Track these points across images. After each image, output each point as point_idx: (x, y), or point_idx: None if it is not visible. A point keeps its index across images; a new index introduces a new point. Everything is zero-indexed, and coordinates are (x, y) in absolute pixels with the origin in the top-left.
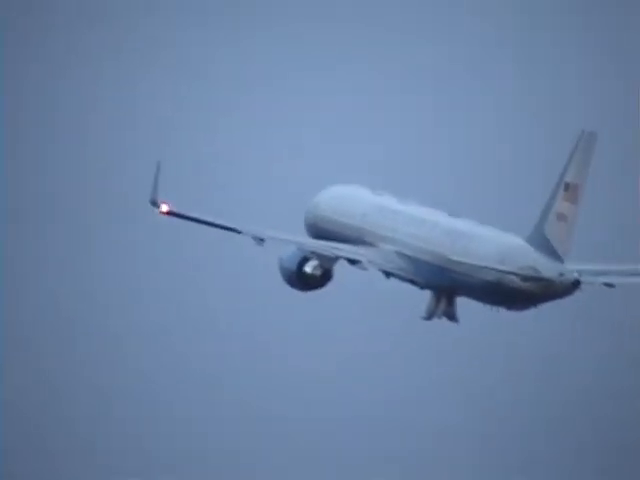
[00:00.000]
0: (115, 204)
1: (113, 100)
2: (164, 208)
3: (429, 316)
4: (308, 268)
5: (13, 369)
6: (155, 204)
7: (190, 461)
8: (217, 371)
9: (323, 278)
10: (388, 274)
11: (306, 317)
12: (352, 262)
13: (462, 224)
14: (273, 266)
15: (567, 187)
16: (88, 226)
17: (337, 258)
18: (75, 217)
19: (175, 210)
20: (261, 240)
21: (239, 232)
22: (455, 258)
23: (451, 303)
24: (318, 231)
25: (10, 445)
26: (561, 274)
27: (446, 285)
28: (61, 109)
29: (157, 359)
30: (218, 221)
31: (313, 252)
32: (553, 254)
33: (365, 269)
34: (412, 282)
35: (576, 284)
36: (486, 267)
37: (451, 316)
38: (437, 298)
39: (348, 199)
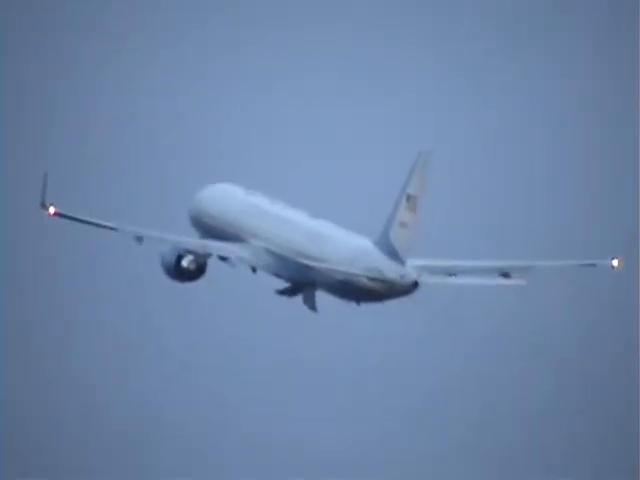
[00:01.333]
0: (115, 204)
1: (113, 100)
2: (51, 210)
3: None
4: (184, 263)
5: (13, 369)
6: (44, 207)
7: (190, 462)
8: (218, 371)
9: (198, 271)
10: (254, 269)
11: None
12: (223, 259)
13: (320, 226)
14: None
15: (408, 198)
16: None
17: (208, 255)
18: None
19: (61, 212)
20: (139, 239)
21: (116, 230)
22: (307, 262)
23: (312, 295)
24: (201, 225)
25: (10, 445)
26: (402, 276)
27: (305, 281)
28: (60, 109)
29: (157, 359)
30: (98, 221)
31: (187, 250)
32: (396, 257)
33: (234, 266)
34: (278, 276)
35: (415, 285)
36: (334, 270)
37: (311, 306)
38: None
39: (226, 197)
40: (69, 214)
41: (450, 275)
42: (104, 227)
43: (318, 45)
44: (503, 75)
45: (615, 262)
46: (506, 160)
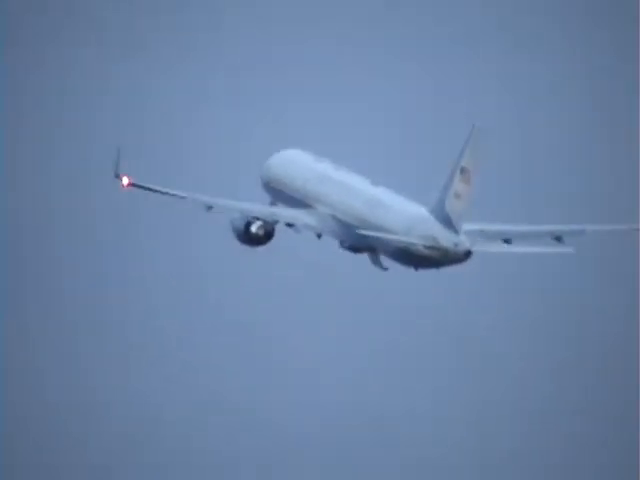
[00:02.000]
0: (115, 204)
1: (113, 101)
2: (125, 181)
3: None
4: (253, 228)
5: (13, 369)
6: (117, 177)
7: (190, 461)
8: (218, 371)
9: (266, 237)
10: (320, 235)
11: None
12: (289, 225)
13: (381, 193)
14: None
15: (462, 171)
16: (87, 225)
17: (276, 221)
18: (74, 216)
19: (135, 182)
20: (210, 207)
21: (186, 198)
22: (365, 232)
23: (377, 257)
24: (271, 189)
25: (10, 445)
26: (456, 244)
27: (367, 247)
28: (60, 108)
29: (157, 358)
30: (172, 191)
31: (255, 217)
32: (450, 226)
33: (300, 232)
34: (342, 242)
35: (468, 254)
36: (394, 238)
37: (379, 266)
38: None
39: (294, 164)
40: (142, 184)
41: (504, 240)
42: (175, 196)
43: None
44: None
45: None
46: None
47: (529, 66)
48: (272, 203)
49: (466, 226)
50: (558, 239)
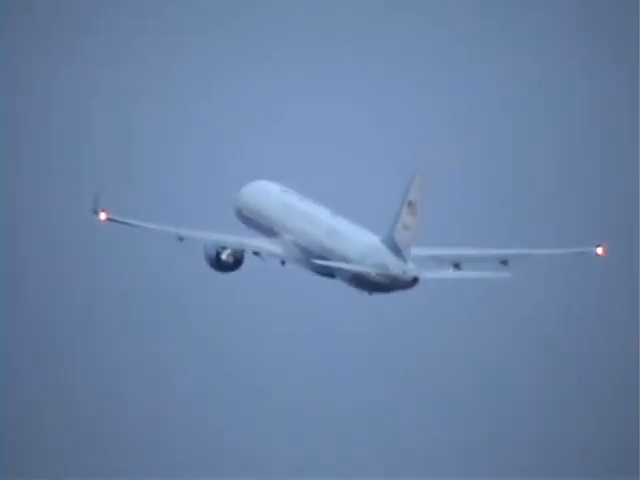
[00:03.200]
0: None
1: (147, 101)
2: (103, 216)
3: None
4: (223, 256)
5: (13, 369)
6: (96, 212)
7: (190, 461)
8: (218, 373)
9: (236, 263)
10: (283, 262)
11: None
12: (256, 253)
13: (339, 223)
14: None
15: (409, 204)
16: (87, 225)
17: (243, 250)
18: (73, 217)
19: (113, 217)
20: (181, 238)
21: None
22: (322, 262)
23: None
24: (242, 218)
25: (10, 445)
26: (404, 272)
27: (326, 272)
28: (58, 107)
29: (157, 357)
30: (147, 224)
31: (224, 246)
32: (400, 255)
33: (265, 259)
34: (307, 268)
35: (415, 280)
36: (346, 268)
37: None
38: None
39: (263, 194)
40: (119, 219)
41: (454, 264)
42: (152, 229)
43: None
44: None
45: (599, 250)
46: (504, 154)
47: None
48: (245, 229)
49: (418, 251)
50: (504, 263)
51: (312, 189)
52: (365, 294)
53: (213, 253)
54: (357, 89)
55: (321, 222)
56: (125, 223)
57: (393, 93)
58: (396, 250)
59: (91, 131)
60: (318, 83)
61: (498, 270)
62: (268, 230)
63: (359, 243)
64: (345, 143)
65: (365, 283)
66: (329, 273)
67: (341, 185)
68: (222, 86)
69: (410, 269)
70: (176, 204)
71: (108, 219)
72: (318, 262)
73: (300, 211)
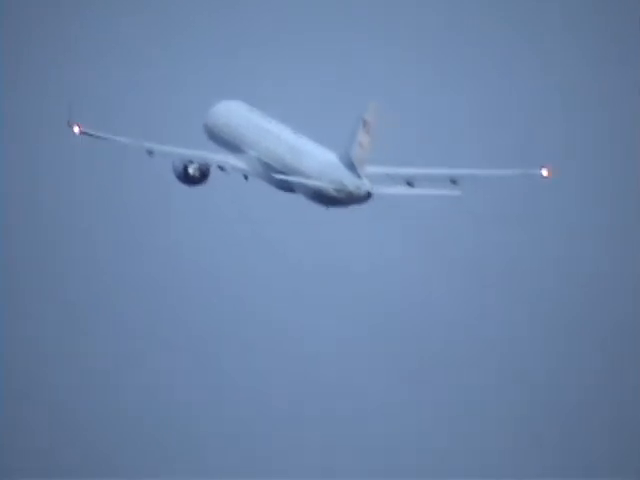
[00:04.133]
0: (114, 203)
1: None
2: (76, 129)
3: None
4: (190, 170)
5: (13, 369)
6: (70, 125)
7: (190, 461)
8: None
9: (202, 177)
10: (247, 177)
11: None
12: (221, 168)
13: (300, 142)
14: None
15: (365, 124)
16: (87, 224)
17: (208, 164)
18: (73, 214)
19: (86, 130)
20: (151, 152)
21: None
22: (282, 177)
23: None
24: (211, 135)
25: (10, 445)
26: (358, 187)
27: (287, 187)
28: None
29: (157, 355)
30: (118, 138)
31: (191, 160)
32: (354, 171)
33: (229, 173)
34: (270, 183)
35: (368, 195)
36: (304, 183)
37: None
38: None
39: (231, 113)
40: (91, 132)
41: (407, 182)
42: (121, 142)
43: None
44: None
45: (544, 171)
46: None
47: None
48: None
49: (373, 169)
50: (454, 182)
51: (278, 111)
52: (323, 208)
53: (180, 167)
54: (330, 18)
55: (284, 140)
56: (98, 137)
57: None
58: (351, 167)
59: (64, 49)
60: (291, 8)
61: (449, 189)
62: (235, 147)
63: (318, 160)
64: (313, 67)
65: (323, 198)
66: (290, 188)
67: (305, 106)
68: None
69: (364, 185)
70: (148, 122)
71: (81, 132)
72: (278, 177)
73: (265, 130)
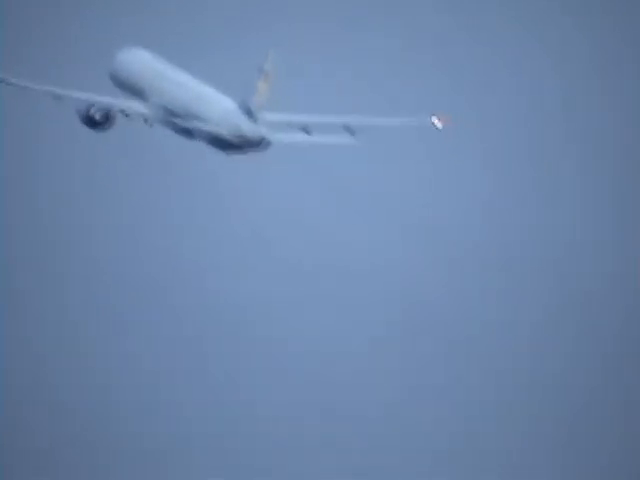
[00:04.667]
0: (114, 203)
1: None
2: None
3: None
4: (92, 112)
5: (14, 369)
6: None
7: (191, 460)
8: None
9: (107, 121)
10: (150, 124)
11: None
12: (125, 114)
13: (201, 89)
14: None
15: (263, 71)
16: (87, 223)
17: (110, 108)
18: (73, 214)
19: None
20: (58, 97)
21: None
22: (180, 122)
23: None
24: (117, 81)
25: (10, 445)
26: (254, 132)
27: (188, 133)
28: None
29: (156, 355)
30: (25, 83)
31: (93, 104)
32: (252, 117)
33: (132, 120)
34: (171, 128)
35: (263, 140)
36: (203, 128)
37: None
38: None
39: (137, 60)
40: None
41: (303, 130)
42: (28, 88)
43: None
44: None
45: (435, 120)
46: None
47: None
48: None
49: (272, 117)
50: (349, 131)
51: (181, 60)
52: (223, 154)
53: (84, 110)
54: None
55: (186, 87)
56: (2, 81)
57: None
58: (249, 113)
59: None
60: None
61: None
62: (140, 93)
63: (218, 106)
64: (217, 14)
65: (222, 143)
66: (190, 134)
67: (207, 54)
68: None
69: (260, 130)
70: (56, 68)
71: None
72: (178, 122)
73: (170, 77)
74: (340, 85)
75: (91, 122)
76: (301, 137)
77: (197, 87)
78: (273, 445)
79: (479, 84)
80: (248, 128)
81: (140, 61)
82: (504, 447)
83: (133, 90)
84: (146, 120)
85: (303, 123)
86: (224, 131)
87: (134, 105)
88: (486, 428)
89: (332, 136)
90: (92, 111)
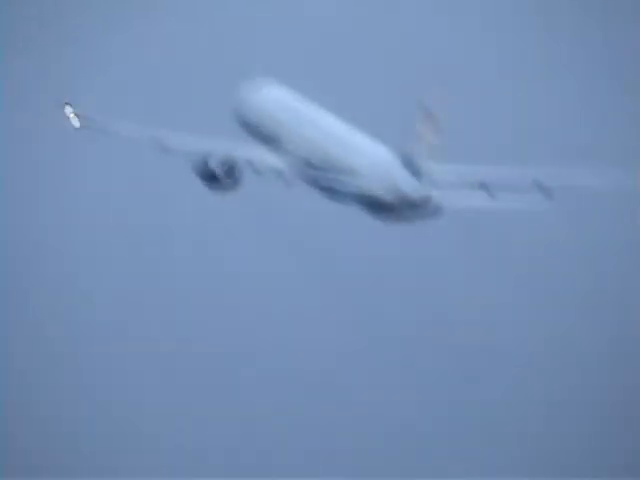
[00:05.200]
0: (115, 203)
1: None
2: (72, 116)
3: None
4: (211, 165)
5: (14, 369)
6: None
7: (190, 461)
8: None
9: (228, 177)
10: (287, 180)
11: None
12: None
13: (351, 135)
14: None
15: (427, 112)
16: (87, 223)
17: (235, 160)
18: (73, 214)
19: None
20: (163, 147)
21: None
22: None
23: None
24: (245, 123)
25: (10, 445)
26: (418, 191)
27: (336, 192)
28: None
29: (156, 355)
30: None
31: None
32: (415, 171)
33: (263, 175)
34: (313, 186)
35: (430, 201)
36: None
37: None
38: None
39: (272, 99)
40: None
41: (482, 187)
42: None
43: None
44: None
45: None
46: None
47: None
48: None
49: (445, 169)
50: (543, 189)
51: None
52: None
53: (200, 161)
54: None
55: (331, 133)
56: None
57: None
58: (411, 166)
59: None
60: None
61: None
62: (272, 141)
63: (370, 158)
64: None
65: (375, 206)
66: (335, 193)
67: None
68: None
69: (425, 189)
70: (156, 109)
71: (75, 114)
72: (320, 177)
73: (311, 120)
74: (525, 124)
75: (210, 177)
76: (481, 199)
77: (344, 132)
78: (273, 445)
79: None
80: (409, 185)
81: (274, 99)
82: (507, 448)
83: (262, 136)
84: (281, 176)
85: (480, 179)
86: (378, 189)
87: (266, 156)
88: (489, 429)
89: (520, 197)
90: (212, 163)
